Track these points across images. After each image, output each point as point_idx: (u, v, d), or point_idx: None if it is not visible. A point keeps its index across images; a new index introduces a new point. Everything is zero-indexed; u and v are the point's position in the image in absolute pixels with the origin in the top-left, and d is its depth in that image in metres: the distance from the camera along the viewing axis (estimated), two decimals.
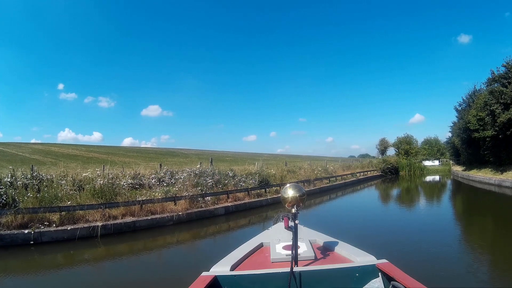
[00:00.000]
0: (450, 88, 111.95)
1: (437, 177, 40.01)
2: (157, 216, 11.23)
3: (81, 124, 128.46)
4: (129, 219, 10.76)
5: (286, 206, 2.76)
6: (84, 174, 13.22)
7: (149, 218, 11.00)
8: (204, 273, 2.35)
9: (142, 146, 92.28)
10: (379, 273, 2.31)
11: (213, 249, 9.16)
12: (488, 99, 26.22)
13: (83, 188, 11.96)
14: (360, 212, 15.59)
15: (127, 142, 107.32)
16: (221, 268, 2.50)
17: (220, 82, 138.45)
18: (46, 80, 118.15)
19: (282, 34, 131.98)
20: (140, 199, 11.67)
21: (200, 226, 11.70)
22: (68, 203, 10.71)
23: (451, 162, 52.78)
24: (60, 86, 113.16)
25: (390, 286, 2.09)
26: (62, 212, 10.18)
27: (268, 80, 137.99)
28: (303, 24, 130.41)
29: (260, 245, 3.13)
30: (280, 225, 3.39)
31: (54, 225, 9.85)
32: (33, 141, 79.72)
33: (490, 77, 27.59)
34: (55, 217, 10.15)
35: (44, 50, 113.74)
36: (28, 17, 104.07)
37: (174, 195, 12.44)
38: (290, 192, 2.72)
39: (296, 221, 2.60)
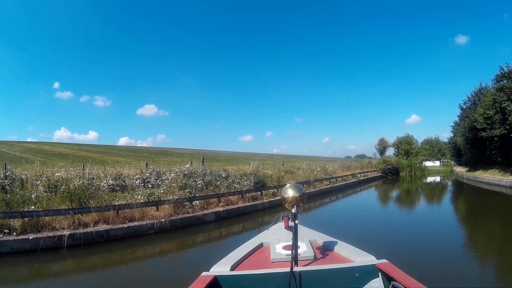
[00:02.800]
0: (447, 89, 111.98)
1: (440, 178, 38.70)
2: (135, 223, 9.68)
3: (77, 123, 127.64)
4: (101, 227, 9.23)
5: (286, 206, 2.74)
6: (57, 174, 11.73)
7: (125, 226, 9.45)
8: (204, 273, 2.33)
9: (138, 145, 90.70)
10: (379, 273, 2.29)
11: (201, 262, 7.63)
12: (498, 96, 24.83)
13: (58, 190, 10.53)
14: (365, 214, 14.82)
15: (123, 141, 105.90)
16: (221, 268, 2.48)
17: (217, 82, 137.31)
18: (42, 79, 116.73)
19: (279, 34, 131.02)
20: (116, 203, 10.13)
21: (186, 235, 10.15)
22: (32, 207, 9.23)
23: (452, 162, 51.69)
24: (56, 85, 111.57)
25: (390, 286, 2.08)
26: (25, 218, 8.70)
27: (265, 80, 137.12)
28: (301, 25, 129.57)
29: (260, 245, 3.11)
30: (280, 225, 3.39)
31: (15, 233, 8.39)
32: (29, 139, 78.27)
33: (499, 73, 26.21)
34: (17, 223, 8.70)
35: (40, 48, 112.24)
36: (24, 15, 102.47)
37: (157, 199, 10.90)
38: (290, 192, 2.70)
39: (296, 221, 2.59)
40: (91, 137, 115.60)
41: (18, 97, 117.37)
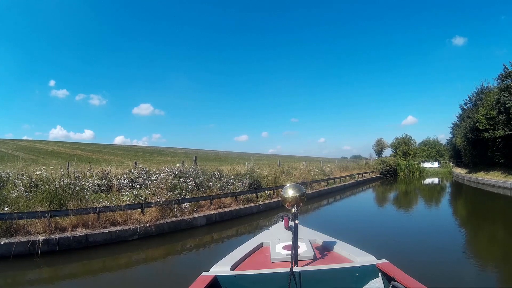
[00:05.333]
0: (444, 90, 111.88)
1: (439, 180, 38.13)
2: (117, 228, 8.83)
3: (72, 122, 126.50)
4: (80, 231, 8.40)
5: (286, 206, 2.71)
6: (37, 173, 10.95)
7: (106, 231, 8.59)
8: (204, 273, 2.31)
9: (133, 144, 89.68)
10: (379, 273, 2.28)
11: (188, 271, 6.83)
12: (502, 96, 24.07)
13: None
14: (367, 215, 14.58)
15: (119, 140, 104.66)
16: (221, 268, 2.47)
17: (212, 82, 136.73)
18: (37, 77, 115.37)
19: (275, 35, 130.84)
20: (98, 205, 9.31)
21: (173, 241, 9.34)
22: (6, 209, 8.44)
23: (450, 164, 51.25)
24: (52, 83, 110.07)
25: (390, 286, 2.07)
26: None
27: (261, 80, 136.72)
28: (297, 25, 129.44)
29: (260, 245, 3.09)
30: (280, 225, 3.41)
31: None
32: (24, 138, 77.22)
33: (502, 72, 25.52)
34: None
35: (36, 46, 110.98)
36: (19, 14, 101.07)
37: (142, 201, 10.07)
38: (290, 192, 2.67)
39: (296, 221, 2.58)
40: (87, 135, 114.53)
41: (13, 95, 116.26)
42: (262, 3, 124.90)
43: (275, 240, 3.02)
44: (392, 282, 2.06)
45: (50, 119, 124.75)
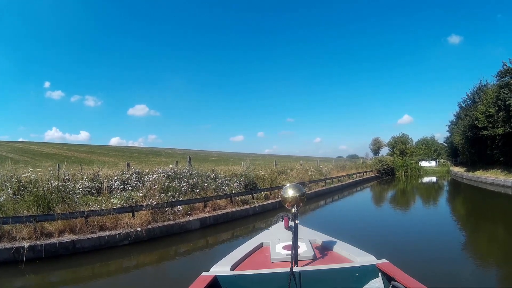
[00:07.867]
0: (440, 89, 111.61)
1: (437, 179, 38.00)
2: (106, 233, 8.41)
3: (68, 123, 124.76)
4: (67, 237, 8.00)
5: (286, 206, 2.73)
6: (24, 175, 10.59)
7: (94, 236, 8.18)
8: (204, 273, 2.32)
9: (129, 145, 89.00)
10: (379, 273, 2.28)
11: (181, 278, 6.50)
12: (502, 93, 23.80)
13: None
14: (368, 215, 14.44)
15: (114, 141, 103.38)
16: (221, 268, 2.48)
17: (208, 82, 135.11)
18: (32, 78, 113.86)
19: (271, 35, 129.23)
20: (86, 209, 8.90)
21: (165, 246, 8.95)
22: None
23: (448, 162, 51.20)
24: (47, 84, 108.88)
25: (390, 286, 2.08)
26: None
27: (257, 81, 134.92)
28: (293, 25, 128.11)
29: (260, 245, 3.10)
30: (280, 225, 3.44)
31: None
32: (20, 140, 76.36)
33: (501, 69, 25.25)
34: None
35: (30, 47, 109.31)
36: (14, 14, 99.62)
37: (133, 204, 9.67)
38: (290, 192, 2.69)
39: (296, 221, 2.59)
40: (83, 137, 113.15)
41: (8, 97, 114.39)
42: (261, 3, 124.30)
43: (275, 240, 3.02)
44: (392, 282, 2.07)
45: (46, 120, 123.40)
